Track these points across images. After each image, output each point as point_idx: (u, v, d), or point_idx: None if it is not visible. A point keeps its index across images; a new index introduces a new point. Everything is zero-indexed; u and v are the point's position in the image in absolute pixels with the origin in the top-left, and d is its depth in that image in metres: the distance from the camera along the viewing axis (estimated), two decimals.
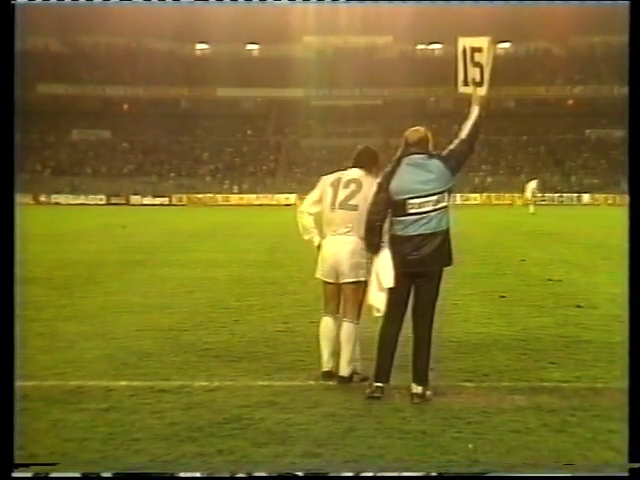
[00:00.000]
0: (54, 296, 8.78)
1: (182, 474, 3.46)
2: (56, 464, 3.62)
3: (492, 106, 68.19)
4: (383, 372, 4.94)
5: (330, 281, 5.27)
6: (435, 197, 4.87)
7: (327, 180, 5.30)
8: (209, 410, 4.60)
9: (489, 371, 5.60)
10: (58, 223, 24.36)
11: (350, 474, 3.48)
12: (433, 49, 73.57)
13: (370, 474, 3.47)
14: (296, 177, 60.59)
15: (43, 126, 60.15)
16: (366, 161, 5.33)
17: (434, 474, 3.46)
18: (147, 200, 55.39)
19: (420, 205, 4.86)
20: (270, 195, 56.48)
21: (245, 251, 15.68)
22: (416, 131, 5.19)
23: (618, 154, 60.52)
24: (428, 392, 4.84)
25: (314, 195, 5.36)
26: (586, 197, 54.82)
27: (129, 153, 64.38)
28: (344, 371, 5.19)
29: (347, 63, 69.83)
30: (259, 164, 63.75)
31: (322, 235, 5.33)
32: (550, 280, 10.82)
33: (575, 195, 55.36)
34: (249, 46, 72.84)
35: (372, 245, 5.01)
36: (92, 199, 54.73)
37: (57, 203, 52.33)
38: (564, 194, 55.28)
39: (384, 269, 4.91)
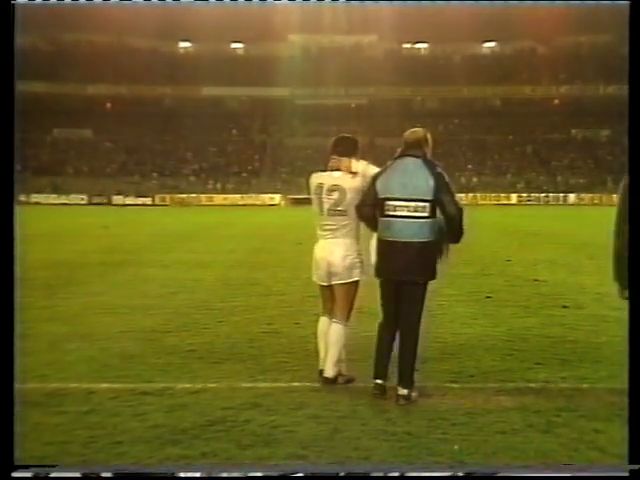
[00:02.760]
0: (35, 297, 8.71)
1: (182, 474, 3.44)
2: (56, 465, 3.61)
3: (478, 105, 68.67)
4: (379, 370, 4.99)
5: (324, 284, 5.32)
6: (412, 204, 4.78)
7: (311, 188, 5.31)
8: (192, 412, 4.59)
9: (474, 372, 5.62)
10: (39, 223, 24.22)
11: (344, 474, 3.49)
12: (419, 48, 73.83)
13: (371, 474, 3.48)
14: (281, 177, 60.60)
15: (23, 125, 59.70)
16: (345, 151, 5.27)
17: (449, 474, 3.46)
18: (130, 200, 55.15)
19: (395, 208, 4.83)
20: (255, 195, 56.43)
21: (229, 252, 15.65)
22: (414, 132, 5.10)
23: (604, 154, 61.08)
24: (414, 394, 4.85)
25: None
26: (572, 197, 55.22)
27: (111, 152, 64.09)
28: (329, 372, 5.19)
29: (332, 62, 69.90)
30: (243, 164, 63.65)
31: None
32: (536, 280, 10.87)
33: (561, 195, 55.74)
34: (234, 44, 72.74)
35: (370, 227, 5.11)
36: (73, 199, 54.41)
37: (37, 203, 51.95)
38: (550, 194, 55.66)
39: (372, 246, 5.09)
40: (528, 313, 8.25)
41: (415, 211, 4.79)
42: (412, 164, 4.91)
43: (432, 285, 5.07)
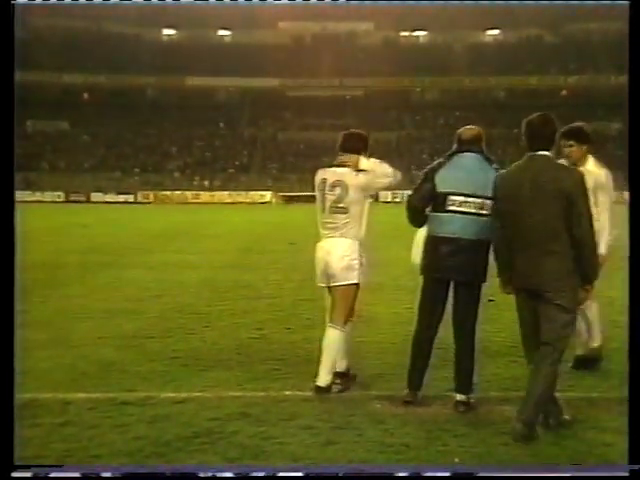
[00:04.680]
0: None
1: (182, 474, 3.46)
2: (56, 465, 3.62)
3: (481, 97, 68.81)
4: (417, 379, 5.03)
5: (324, 285, 5.41)
6: (479, 200, 4.86)
7: (315, 183, 5.41)
8: (176, 423, 4.58)
9: (477, 380, 5.62)
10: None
11: (343, 474, 3.54)
12: (418, 36, 73.94)
13: (371, 474, 3.53)
14: (271, 173, 60.60)
15: None
16: (353, 148, 5.32)
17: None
18: (110, 197, 55.08)
19: (461, 204, 4.89)
20: (244, 192, 56.40)
21: (216, 252, 15.64)
22: (471, 129, 5.32)
23: (615, 148, 61.24)
24: (472, 400, 4.93)
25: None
26: None
27: (90, 146, 63.94)
28: (322, 381, 5.20)
29: (326, 51, 69.95)
30: (232, 159, 63.61)
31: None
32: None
33: None
34: (221, 32, 72.70)
35: (416, 221, 5.14)
36: (49, 196, 54.26)
37: None
38: None
39: (417, 244, 5.15)
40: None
41: (481, 208, 4.87)
42: (474, 160, 5.04)
43: None
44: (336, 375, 5.31)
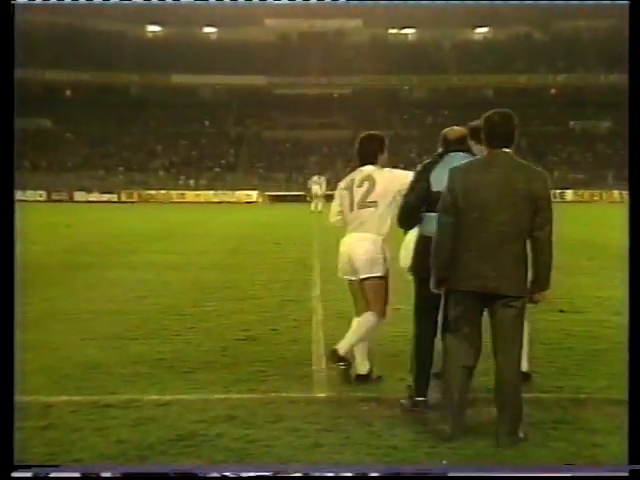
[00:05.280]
0: None
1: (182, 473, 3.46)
2: (57, 465, 3.62)
3: (469, 96, 68.97)
4: (423, 385, 4.96)
5: (349, 278, 5.60)
6: None
7: (341, 186, 5.70)
8: (160, 426, 4.57)
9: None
10: None
11: (349, 474, 3.55)
12: (406, 34, 74.07)
13: (372, 474, 3.57)
14: (258, 172, 60.53)
15: None
16: (373, 150, 5.60)
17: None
18: (93, 197, 54.84)
19: None
20: (230, 192, 56.29)
21: (202, 252, 15.62)
22: (457, 130, 5.31)
23: (604, 147, 61.64)
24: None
25: (335, 205, 5.79)
26: (570, 193, 55.55)
27: (73, 145, 63.66)
28: (362, 368, 5.56)
29: (313, 48, 69.97)
30: (218, 158, 63.50)
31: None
32: None
33: (558, 191, 56.00)
34: (206, 29, 72.57)
35: (409, 222, 5.12)
36: (31, 195, 53.92)
37: None
38: None
39: (406, 247, 5.16)
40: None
41: None
42: (465, 159, 5.02)
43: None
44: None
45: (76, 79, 66.93)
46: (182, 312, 8.58)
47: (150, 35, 73.71)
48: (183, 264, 13.38)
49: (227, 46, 68.92)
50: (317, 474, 3.61)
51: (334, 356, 5.43)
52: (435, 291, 4.54)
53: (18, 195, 59.89)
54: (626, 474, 3.44)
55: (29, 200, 52.19)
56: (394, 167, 5.78)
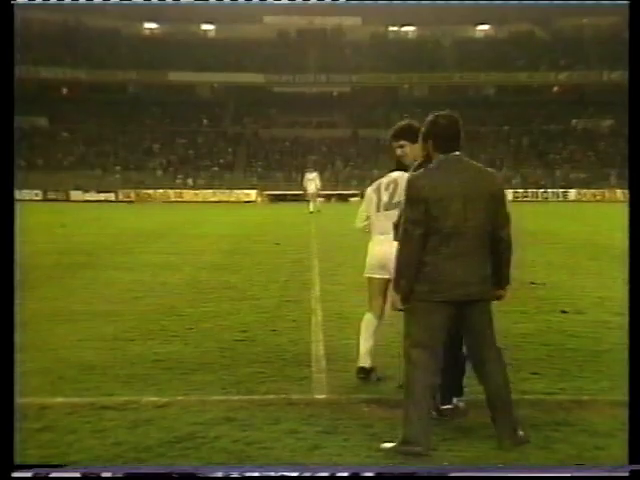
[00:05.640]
0: None
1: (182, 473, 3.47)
2: (57, 465, 3.65)
3: (470, 94, 69.03)
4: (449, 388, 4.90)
5: (377, 277, 5.83)
6: None
7: (370, 190, 6.05)
8: (158, 428, 4.57)
9: (466, 382, 5.63)
10: None
11: (346, 474, 3.57)
12: (406, 31, 74.08)
13: (370, 474, 3.58)
14: (257, 171, 60.52)
15: None
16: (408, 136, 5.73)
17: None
18: (90, 196, 54.79)
19: None
20: (228, 191, 56.26)
21: (200, 252, 15.62)
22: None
23: (607, 146, 61.65)
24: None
25: (362, 210, 6.09)
26: (572, 193, 55.62)
27: (69, 143, 63.61)
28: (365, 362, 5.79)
29: (312, 46, 69.97)
30: (216, 157, 63.48)
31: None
32: (532, 283, 10.95)
33: (560, 191, 56.13)
34: (204, 26, 72.52)
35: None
36: (26, 194, 53.86)
37: None
38: (548, 189, 55.99)
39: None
40: (524, 319, 8.30)
41: None
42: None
43: None
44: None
45: (72, 77, 66.86)
46: (180, 313, 8.58)
47: (147, 32, 73.64)
48: (181, 264, 13.38)
49: (225, 43, 68.90)
50: (321, 474, 3.61)
51: (365, 371, 5.73)
52: (398, 308, 4.39)
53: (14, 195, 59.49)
54: (626, 474, 3.46)
55: (25, 199, 52.28)
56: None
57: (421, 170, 4.40)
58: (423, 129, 4.46)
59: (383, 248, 5.70)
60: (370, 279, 5.89)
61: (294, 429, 4.56)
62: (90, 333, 7.39)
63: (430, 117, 4.45)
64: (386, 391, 5.37)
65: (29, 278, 11.40)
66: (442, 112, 4.46)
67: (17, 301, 9.54)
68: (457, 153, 4.35)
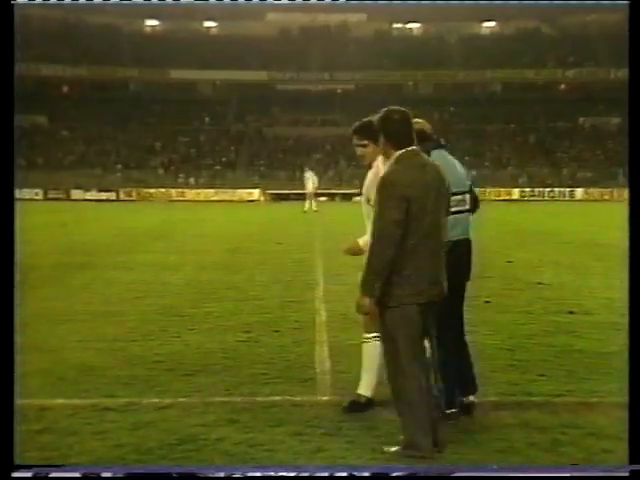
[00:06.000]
0: None
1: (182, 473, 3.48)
2: (57, 465, 3.64)
3: (476, 91, 69.00)
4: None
5: None
6: (459, 196, 4.85)
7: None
8: (160, 430, 4.57)
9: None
10: None
11: (345, 474, 3.57)
12: (411, 28, 74.04)
13: (368, 474, 3.58)
14: (259, 170, 60.54)
15: None
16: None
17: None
18: (91, 195, 54.88)
19: (458, 202, 4.83)
20: (230, 190, 56.29)
21: (202, 252, 15.62)
22: (427, 123, 5.14)
23: (615, 144, 61.51)
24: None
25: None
26: (579, 192, 55.54)
27: (69, 142, 63.71)
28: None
29: (316, 43, 69.96)
30: (218, 155, 63.53)
31: None
32: (539, 284, 10.94)
33: (567, 190, 56.06)
34: (206, 23, 72.57)
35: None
36: (27, 194, 53.97)
37: None
38: (555, 189, 55.94)
39: None
40: (530, 319, 8.29)
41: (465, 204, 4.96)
42: (447, 155, 5.00)
43: None
44: None
45: (72, 75, 66.98)
46: (181, 313, 8.58)
47: (148, 29, 73.71)
48: (182, 264, 13.38)
49: (227, 41, 68.92)
50: (323, 474, 3.62)
51: None
52: (365, 312, 4.22)
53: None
54: (626, 474, 3.47)
55: (25, 199, 52.36)
56: None
57: (394, 167, 4.20)
58: (379, 125, 4.32)
59: None
60: None
61: (298, 431, 4.55)
62: (90, 334, 7.39)
63: (383, 113, 4.34)
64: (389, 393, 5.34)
65: (29, 278, 11.41)
66: (393, 107, 4.35)
67: (17, 302, 9.54)
68: (414, 147, 4.26)
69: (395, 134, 4.24)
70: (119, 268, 12.82)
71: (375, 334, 4.83)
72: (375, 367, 4.95)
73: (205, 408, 5.00)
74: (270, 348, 6.82)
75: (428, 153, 4.83)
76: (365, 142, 4.99)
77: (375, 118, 4.55)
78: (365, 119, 5.12)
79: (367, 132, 4.94)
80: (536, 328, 7.80)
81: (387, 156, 4.35)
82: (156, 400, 5.17)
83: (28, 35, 65.56)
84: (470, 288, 10.02)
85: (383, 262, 4.06)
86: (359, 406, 4.95)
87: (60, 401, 5.15)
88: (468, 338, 7.18)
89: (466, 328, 7.67)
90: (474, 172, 59.68)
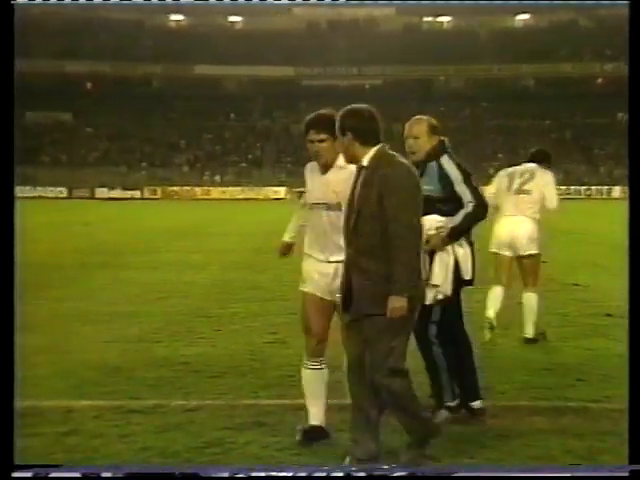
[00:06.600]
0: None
1: (182, 473, 3.51)
2: (57, 465, 3.66)
3: (509, 86, 68.53)
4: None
5: (507, 254, 7.20)
6: None
7: (504, 172, 7.45)
8: (186, 433, 4.59)
9: (506, 388, 5.61)
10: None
11: (342, 474, 3.57)
12: (442, 22, 73.75)
13: (373, 474, 3.59)
14: (286, 167, 60.62)
15: None
16: (541, 158, 7.55)
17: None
18: (115, 193, 55.37)
19: None
20: (256, 188, 56.52)
21: (227, 251, 15.68)
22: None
23: None
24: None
25: (490, 188, 7.28)
26: (617, 190, 54.98)
27: (93, 139, 64.27)
28: (530, 331, 7.13)
29: (343, 37, 69.93)
30: (244, 152, 63.74)
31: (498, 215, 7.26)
32: (575, 285, 10.85)
33: (604, 188, 55.54)
34: (231, 17, 72.84)
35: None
36: (51, 192, 54.60)
37: None
38: (592, 187, 55.47)
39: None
40: (566, 322, 8.23)
41: None
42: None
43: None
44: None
45: (97, 71, 67.51)
46: (207, 314, 8.62)
47: (172, 24, 74.13)
48: (207, 263, 13.45)
49: (253, 35, 69.11)
50: (322, 474, 3.62)
51: (530, 341, 7.04)
52: (402, 314, 3.93)
53: (37, 192, 60.21)
54: (626, 474, 3.47)
55: (49, 197, 52.92)
56: None
57: (404, 165, 4.06)
58: (345, 122, 4.09)
59: (512, 229, 7.10)
60: (497, 255, 7.17)
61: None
62: (114, 334, 7.45)
63: (348, 109, 4.16)
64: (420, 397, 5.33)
65: (49, 278, 11.54)
66: (355, 105, 4.20)
67: (37, 302, 9.66)
68: (384, 144, 4.11)
69: (366, 130, 4.05)
70: (143, 268, 12.91)
71: (322, 358, 4.75)
72: (325, 393, 4.71)
73: (232, 411, 5.02)
74: (297, 349, 6.79)
75: (437, 159, 4.85)
76: (323, 137, 4.49)
77: (329, 112, 4.46)
78: (320, 111, 4.70)
79: (325, 125, 4.48)
80: (572, 331, 7.74)
81: (352, 156, 4.09)
82: (182, 402, 5.20)
83: (51, 32, 66.34)
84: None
85: (418, 260, 3.99)
86: (314, 435, 4.52)
87: (85, 403, 5.19)
88: (500, 341, 7.20)
89: (498, 331, 7.70)
90: None
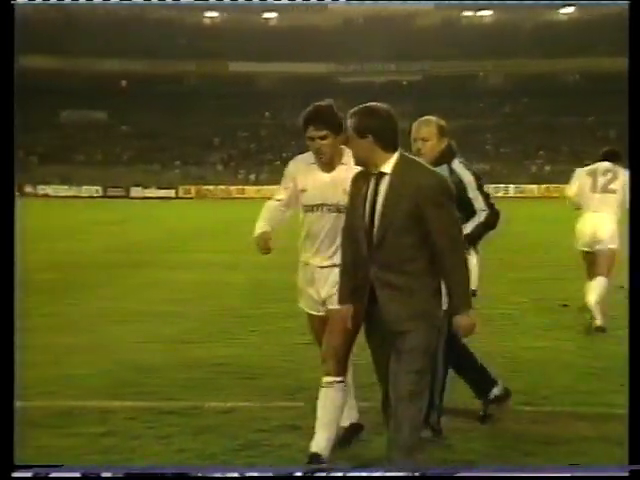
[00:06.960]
0: (38, 303, 8.84)
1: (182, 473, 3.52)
2: (57, 465, 3.67)
3: (551, 82, 67.84)
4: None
5: (587, 249, 7.81)
6: None
7: (583, 171, 7.94)
8: (222, 435, 4.62)
9: (548, 393, 5.55)
10: (45, 218, 24.64)
11: (340, 474, 3.57)
12: (482, 16, 73.28)
13: (375, 474, 3.59)
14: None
15: (27, 106, 60.98)
16: (615, 158, 7.91)
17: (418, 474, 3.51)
18: (150, 192, 55.84)
19: None
20: None
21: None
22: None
23: None
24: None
25: (572, 188, 7.97)
26: None
27: (128, 138, 64.88)
28: (600, 320, 7.63)
29: (381, 33, 69.77)
30: (278, 151, 63.88)
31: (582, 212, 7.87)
32: (621, 287, 10.69)
33: None
34: (266, 14, 73.09)
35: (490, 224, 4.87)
36: (86, 191, 55.24)
37: (46, 195, 52.89)
38: None
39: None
40: (613, 324, 8.12)
41: None
42: None
43: (495, 291, 5.04)
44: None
45: (131, 69, 68.17)
46: (241, 314, 8.66)
47: (207, 21, 74.60)
48: (242, 263, 13.49)
49: (288, 32, 69.30)
50: (321, 474, 3.63)
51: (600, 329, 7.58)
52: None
53: (72, 191, 60.58)
54: (626, 474, 3.45)
55: (84, 196, 53.54)
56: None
57: (439, 174, 3.92)
58: (365, 122, 3.87)
59: (593, 224, 7.63)
60: (584, 252, 7.77)
61: (364, 438, 4.55)
62: (149, 335, 7.50)
63: (367, 108, 3.94)
64: (461, 401, 5.30)
65: (85, 277, 11.69)
66: (371, 103, 4.00)
67: (72, 301, 9.76)
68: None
69: (389, 133, 3.86)
70: (177, 267, 13.00)
71: (336, 378, 4.35)
72: (334, 418, 4.20)
73: (267, 413, 5.03)
74: None
75: (448, 163, 4.83)
76: (324, 133, 4.30)
77: (328, 104, 4.23)
78: (317, 104, 4.41)
79: (325, 120, 4.28)
80: (620, 333, 7.62)
81: (369, 160, 3.84)
82: (218, 404, 5.22)
83: (87, 30, 67.05)
84: (543, 290, 9.85)
85: (468, 273, 3.82)
86: (312, 463, 4.07)
87: (122, 403, 5.24)
88: (541, 344, 7.13)
89: (539, 333, 7.64)
90: (548, 167, 58.99)
